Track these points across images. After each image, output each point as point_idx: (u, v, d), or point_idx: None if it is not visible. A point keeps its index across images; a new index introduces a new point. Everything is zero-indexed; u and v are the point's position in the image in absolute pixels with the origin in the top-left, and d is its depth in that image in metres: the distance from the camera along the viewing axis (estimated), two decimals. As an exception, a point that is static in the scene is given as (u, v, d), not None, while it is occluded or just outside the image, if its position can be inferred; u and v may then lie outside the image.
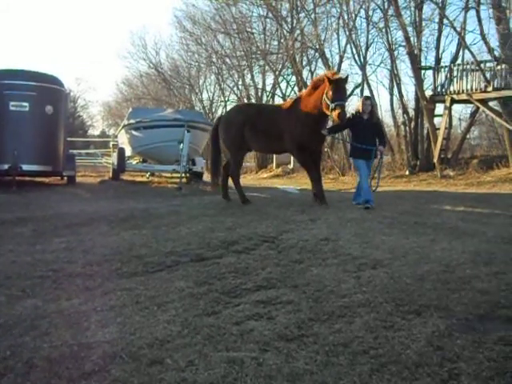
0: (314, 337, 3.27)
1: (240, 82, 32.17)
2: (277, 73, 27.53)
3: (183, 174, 15.40)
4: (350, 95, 25.56)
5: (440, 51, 20.08)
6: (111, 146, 21.60)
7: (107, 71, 63.31)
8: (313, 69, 26.63)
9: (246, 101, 31.87)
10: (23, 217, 8.39)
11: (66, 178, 15.44)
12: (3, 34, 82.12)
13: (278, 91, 29.88)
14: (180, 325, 3.50)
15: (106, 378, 2.76)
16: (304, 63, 26.12)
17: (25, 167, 13.33)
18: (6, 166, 13.10)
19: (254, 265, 5.07)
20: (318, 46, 23.14)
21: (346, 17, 22.16)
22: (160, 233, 6.71)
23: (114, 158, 17.13)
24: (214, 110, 36.50)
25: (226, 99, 34.40)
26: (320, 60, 24.88)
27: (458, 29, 17.94)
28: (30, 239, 6.62)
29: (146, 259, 5.34)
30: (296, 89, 27.38)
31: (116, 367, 2.89)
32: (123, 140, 17.77)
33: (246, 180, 21.12)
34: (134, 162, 17.79)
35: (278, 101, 29.43)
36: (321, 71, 26.97)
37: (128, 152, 16.95)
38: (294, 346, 3.15)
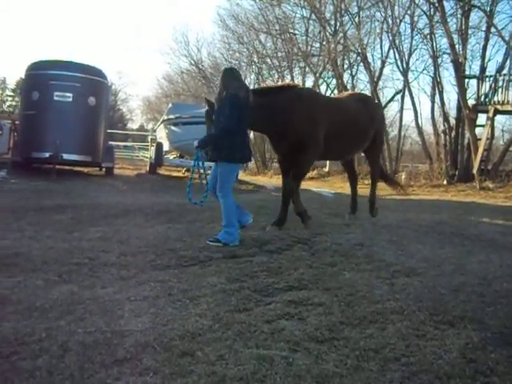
0: (345, 340, 3.25)
1: (280, 83, 32.16)
2: (317, 75, 27.41)
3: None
4: (390, 101, 25.33)
5: (485, 60, 19.68)
6: (149, 140, 21.90)
7: (149, 66, 64.24)
8: (354, 73, 26.47)
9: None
10: (62, 204, 8.59)
11: (104, 169, 15.73)
12: (51, 26, 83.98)
13: (317, 93, 29.75)
14: (211, 319, 3.53)
15: (138, 366, 2.80)
16: (345, 67, 25.98)
17: (65, 156, 13.64)
18: (47, 154, 13.43)
19: (287, 265, 5.06)
20: (360, 50, 22.98)
21: (390, 21, 21.95)
22: (194, 228, 6.78)
23: (151, 152, 17.38)
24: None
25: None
26: (362, 64, 24.70)
27: (507, 38, 17.55)
28: (68, 227, 6.76)
29: (179, 253, 5.40)
30: (336, 92, 27.23)
31: (148, 356, 2.93)
32: (161, 135, 17.99)
33: (278, 181, 21.08)
34: (171, 157, 17.98)
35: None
36: (362, 75, 26.83)
37: (166, 147, 17.15)
38: (325, 348, 3.13)
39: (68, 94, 13.92)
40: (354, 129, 7.64)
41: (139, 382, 2.63)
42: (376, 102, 9.73)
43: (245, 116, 5.98)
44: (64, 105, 13.83)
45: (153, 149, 17.14)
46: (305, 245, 5.98)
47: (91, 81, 14.38)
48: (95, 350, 2.99)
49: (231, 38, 32.73)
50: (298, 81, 29.22)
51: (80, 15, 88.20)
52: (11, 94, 62.47)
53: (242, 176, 20.08)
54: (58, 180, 12.91)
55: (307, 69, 28.41)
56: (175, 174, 18.64)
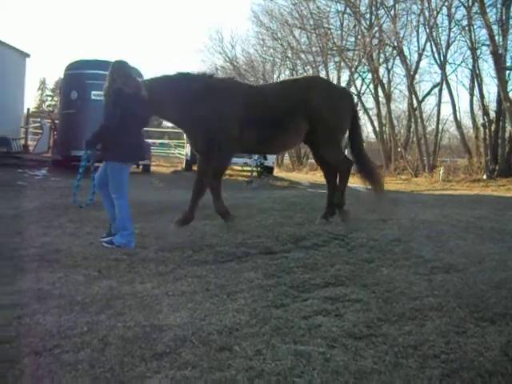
0: (383, 337, 3.21)
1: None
2: (352, 69, 27.14)
3: (254, 168, 15.53)
4: (427, 95, 24.92)
5: (527, 51, 19.12)
6: (185, 137, 22.07)
7: (184, 64, 64.78)
8: (389, 66, 26.13)
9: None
10: (101, 201, 8.72)
11: (141, 166, 15.94)
12: (89, 25, 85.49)
13: (352, 88, 29.49)
14: (249, 314, 3.55)
15: (177, 360, 2.84)
16: (381, 61, 25.65)
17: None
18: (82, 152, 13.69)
19: (323, 261, 5.04)
20: (396, 44, 22.65)
21: (427, 14, 21.51)
22: (231, 224, 6.81)
23: (187, 150, 17.51)
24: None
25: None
26: (398, 58, 24.35)
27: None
28: (106, 223, 6.87)
29: (216, 248, 5.45)
30: (371, 86, 26.94)
31: (186, 350, 2.96)
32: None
33: (316, 177, 21.03)
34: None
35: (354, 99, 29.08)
36: (398, 69, 26.43)
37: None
38: (362, 344, 3.11)
39: (105, 93, 14.15)
40: (273, 118, 6.70)
41: (178, 376, 2.66)
42: (328, 85, 8.05)
43: (132, 113, 5.62)
44: (101, 104, 14.05)
45: (189, 146, 17.28)
46: (341, 241, 5.94)
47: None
48: (135, 344, 3.05)
49: (265, 34, 32.79)
50: (332, 76, 29.08)
51: (115, 14, 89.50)
52: (51, 93, 64.03)
53: (277, 172, 20.10)
54: (97, 177, 13.15)
55: (342, 63, 28.18)
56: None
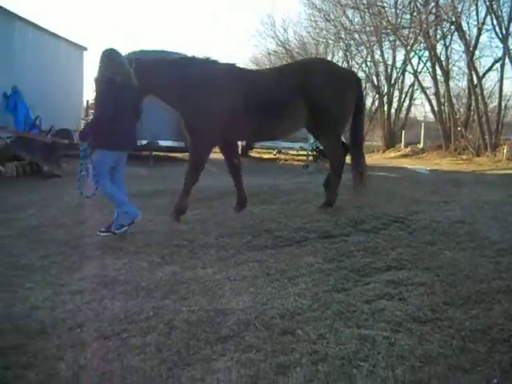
0: (449, 321, 3.15)
1: (369, 59, 31.32)
2: (408, 48, 26.38)
3: (310, 152, 15.44)
4: (488, 71, 23.93)
5: None
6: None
7: (236, 52, 64.77)
8: (447, 43, 25.22)
9: (375, 79, 31.03)
10: (160, 189, 8.94)
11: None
12: (141, 20, 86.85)
13: (408, 67, 28.70)
14: (310, 299, 3.55)
15: (241, 344, 2.88)
16: (438, 37, 24.79)
17: (161, 143, 14.17)
18: (144, 142, 14.00)
19: (384, 244, 4.98)
20: (454, 19, 21.80)
21: (487, -15, 20.59)
22: (288, 208, 6.82)
23: (242, 135, 17.55)
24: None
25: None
26: (456, 33, 23.47)
27: None
28: (167, 210, 7.01)
29: (275, 233, 5.46)
30: (428, 64, 26.14)
31: (250, 334, 3.00)
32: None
33: (372, 159, 20.69)
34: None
35: (410, 78, 28.35)
36: (456, 45, 25.48)
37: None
38: (428, 328, 3.06)
39: (162, 83, 14.39)
40: (269, 106, 6.27)
41: (243, 359, 2.71)
42: (329, 69, 6.93)
43: (125, 102, 5.48)
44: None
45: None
46: (402, 223, 5.84)
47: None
48: (199, 328, 3.11)
49: (317, 15, 32.24)
50: (388, 55, 28.41)
51: (169, 5, 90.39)
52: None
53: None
54: (155, 166, 13.44)
55: (397, 42, 27.42)
56: (266, 156, 18.78)
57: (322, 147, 16.57)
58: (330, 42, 33.88)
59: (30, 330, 3.14)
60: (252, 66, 46.60)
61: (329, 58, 35.07)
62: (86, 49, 20.55)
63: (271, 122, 6.44)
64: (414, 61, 28.06)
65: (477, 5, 22.30)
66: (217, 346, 2.88)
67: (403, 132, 27.09)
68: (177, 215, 6.27)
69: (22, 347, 2.90)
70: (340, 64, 34.43)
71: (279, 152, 19.05)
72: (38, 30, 16.13)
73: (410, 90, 30.16)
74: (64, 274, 4.26)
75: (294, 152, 18.35)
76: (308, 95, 6.34)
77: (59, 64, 17.58)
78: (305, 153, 15.88)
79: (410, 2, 25.67)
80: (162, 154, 15.71)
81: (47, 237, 5.59)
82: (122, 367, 2.66)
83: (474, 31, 23.37)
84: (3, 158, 11.39)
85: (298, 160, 16.81)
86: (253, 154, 18.01)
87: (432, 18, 23.07)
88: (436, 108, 24.97)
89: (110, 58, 5.53)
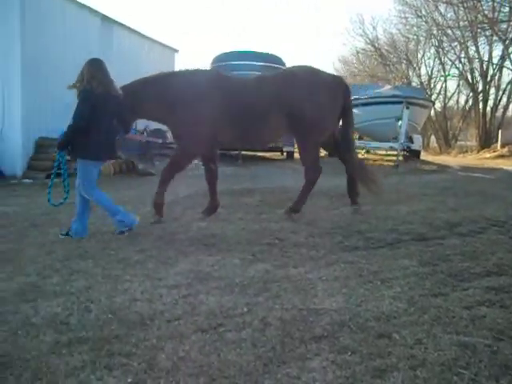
0: (558, 331, 2.96)
1: (463, 55, 30.09)
2: (507, 42, 25.06)
3: (400, 152, 15.07)
4: None
5: None
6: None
7: (323, 51, 64.42)
8: (550, 36, 23.73)
9: (469, 76, 29.81)
10: (249, 188, 9.07)
11: (285, 153, 16.24)
12: (228, 21, 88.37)
13: (507, 63, 27.25)
14: (406, 302, 3.46)
15: (336, 344, 2.86)
16: (540, 31, 23.39)
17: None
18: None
19: (482, 249, 4.77)
20: (559, 10, 20.49)
21: None
22: (379, 210, 6.69)
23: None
24: (432, 85, 34.80)
25: (447, 74, 32.55)
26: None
27: None
28: (257, 209, 7.12)
29: (366, 235, 5.39)
30: (529, 60, 24.70)
31: (344, 335, 2.97)
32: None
33: (466, 160, 19.90)
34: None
35: (508, 74, 26.90)
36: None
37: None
38: (534, 338, 2.90)
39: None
40: (249, 116, 6.31)
41: (339, 360, 2.68)
42: (311, 76, 6.59)
43: (103, 113, 5.51)
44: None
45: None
46: (501, 227, 5.59)
47: (271, 68, 14.85)
48: (293, 326, 3.12)
49: (408, 12, 31.38)
50: (483, 51, 27.15)
51: (255, 6, 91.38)
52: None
53: (423, 156, 19.30)
54: (244, 165, 13.65)
55: (494, 37, 26.13)
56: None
57: (412, 147, 16.20)
58: (421, 38, 32.95)
59: (130, 321, 3.28)
60: (340, 65, 46.27)
61: (419, 56, 34.10)
62: (177, 51, 21.23)
63: (252, 131, 6.53)
64: (514, 56, 26.59)
65: None
66: (311, 345, 2.87)
67: (500, 131, 25.78)
68: (156, 216, 6.38)
69: (124, 337, 3.03)
70: (432, 61, 33.35)
71: (367, 152, 18.73)
72: (133, 34, 16.85)
73: (508, 87, 28.63)
74: (160, 269, 4.41)
75: (383, 152, 17.98)
76: (287, 105, 6.26)
77: (153, 66, 18.27)
78: (395, 153, 15.51)
79: (509, -5, 24.38)
80: (250, 153, 15.92)
81: (143, 232, 5.82)
82: (219, 360, 2.72)
83: None
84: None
85: (387, 160, 16.45)
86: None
87: (534, 10, 21.80)
88: (538, 105, 23.56)
89: (91, 68, 5.60)
